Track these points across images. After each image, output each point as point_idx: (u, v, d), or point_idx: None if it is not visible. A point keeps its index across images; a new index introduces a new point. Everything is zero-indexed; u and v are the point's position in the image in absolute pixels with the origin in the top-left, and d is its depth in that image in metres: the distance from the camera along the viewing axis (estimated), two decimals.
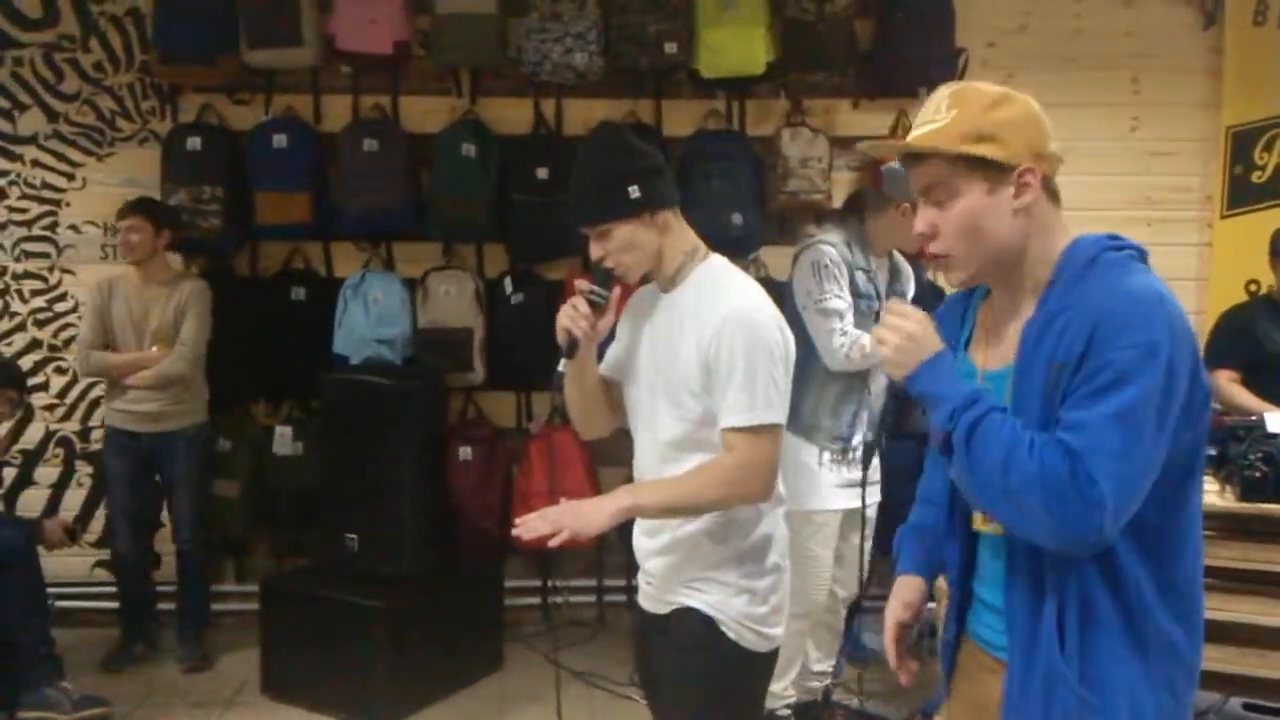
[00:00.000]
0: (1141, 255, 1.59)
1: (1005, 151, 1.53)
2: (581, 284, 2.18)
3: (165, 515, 4.38)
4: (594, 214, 2.16)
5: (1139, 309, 1.45)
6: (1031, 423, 1.50)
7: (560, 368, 2.21)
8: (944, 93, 1.59)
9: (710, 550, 2.18)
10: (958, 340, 1.73)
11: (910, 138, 1.61)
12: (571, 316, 2.15)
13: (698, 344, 2.12)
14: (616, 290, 2.19)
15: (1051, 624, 1.53)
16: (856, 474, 3.46)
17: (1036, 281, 1.58)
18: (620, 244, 2.15)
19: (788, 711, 3.60)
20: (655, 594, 2.29)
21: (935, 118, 1.57)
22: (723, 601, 2.15)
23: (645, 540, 2.29)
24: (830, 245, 3.47)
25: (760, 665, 2.22)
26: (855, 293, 3.45)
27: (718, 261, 2.24)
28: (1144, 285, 1.50)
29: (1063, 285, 1.54)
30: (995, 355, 1.65)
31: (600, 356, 2.32)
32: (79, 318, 4.47)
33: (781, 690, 3.55)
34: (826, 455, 3.50)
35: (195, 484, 4.25)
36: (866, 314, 3.45)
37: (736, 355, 2.07)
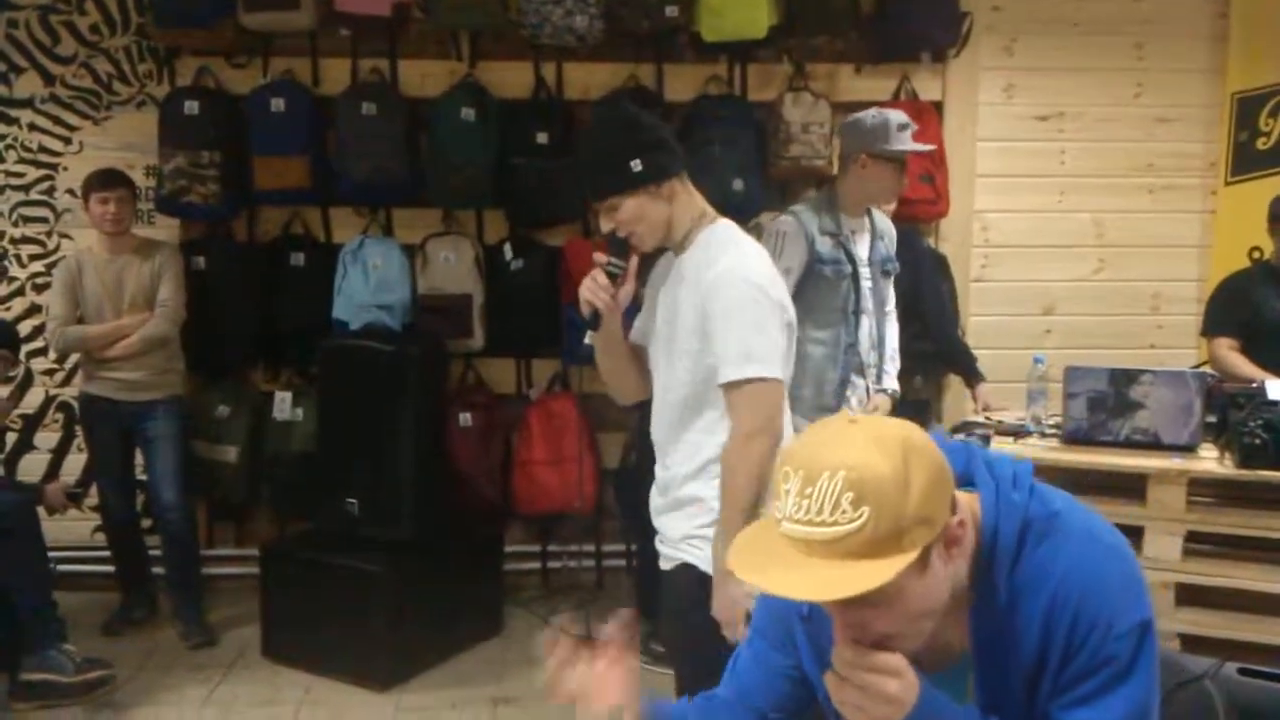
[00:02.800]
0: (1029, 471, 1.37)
1: (937, 526, 1.23)
2: (599, 257, 2.22)
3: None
4: (598, 189, 2.22)
5: (1122, 589, 1.31)
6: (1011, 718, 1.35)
7: (586, 340, 2.27)
8: (834, 482, 1.18)
9: (706, 509, 2.22)
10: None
11: (828, 571, 1.19)
12: (591, 289, 2.21)
13: (693, 305, 2.18)
14: (634, 260, 2.23)
15: None
16: None
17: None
18: (629, 216, 2.20)
19: None
20: (664, 551, 2.35)
21: (839, 520, 1.18)
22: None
23: (656, 498, 2.36)
24: (790, 215, 3.43)
25: None
26: (819, 259, 3.38)
27: (723, 225, 2.28)
28: (1108, 547, 1.34)
29: (1000, 575, 1.32)
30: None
31: (628, 327, 2.38)
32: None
33: None
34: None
35: (174, 454, 4.22)
36: (833, 279, 3.38)
37: (728, 311, 2.12)
